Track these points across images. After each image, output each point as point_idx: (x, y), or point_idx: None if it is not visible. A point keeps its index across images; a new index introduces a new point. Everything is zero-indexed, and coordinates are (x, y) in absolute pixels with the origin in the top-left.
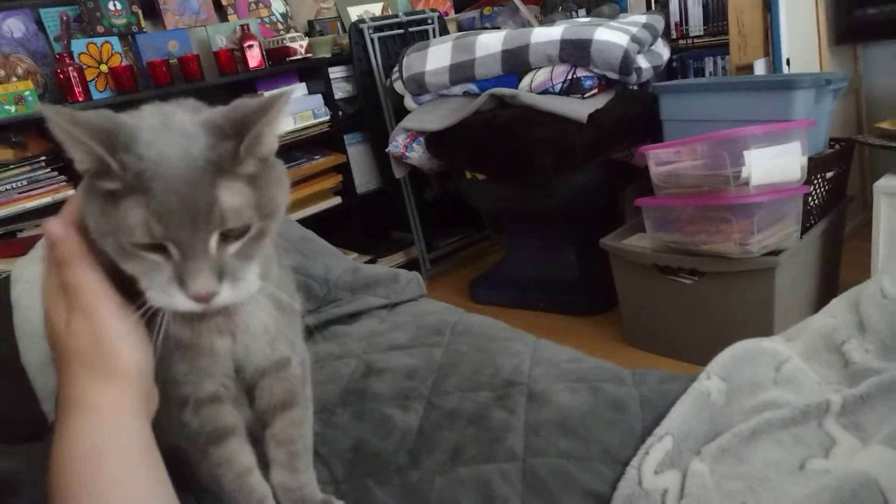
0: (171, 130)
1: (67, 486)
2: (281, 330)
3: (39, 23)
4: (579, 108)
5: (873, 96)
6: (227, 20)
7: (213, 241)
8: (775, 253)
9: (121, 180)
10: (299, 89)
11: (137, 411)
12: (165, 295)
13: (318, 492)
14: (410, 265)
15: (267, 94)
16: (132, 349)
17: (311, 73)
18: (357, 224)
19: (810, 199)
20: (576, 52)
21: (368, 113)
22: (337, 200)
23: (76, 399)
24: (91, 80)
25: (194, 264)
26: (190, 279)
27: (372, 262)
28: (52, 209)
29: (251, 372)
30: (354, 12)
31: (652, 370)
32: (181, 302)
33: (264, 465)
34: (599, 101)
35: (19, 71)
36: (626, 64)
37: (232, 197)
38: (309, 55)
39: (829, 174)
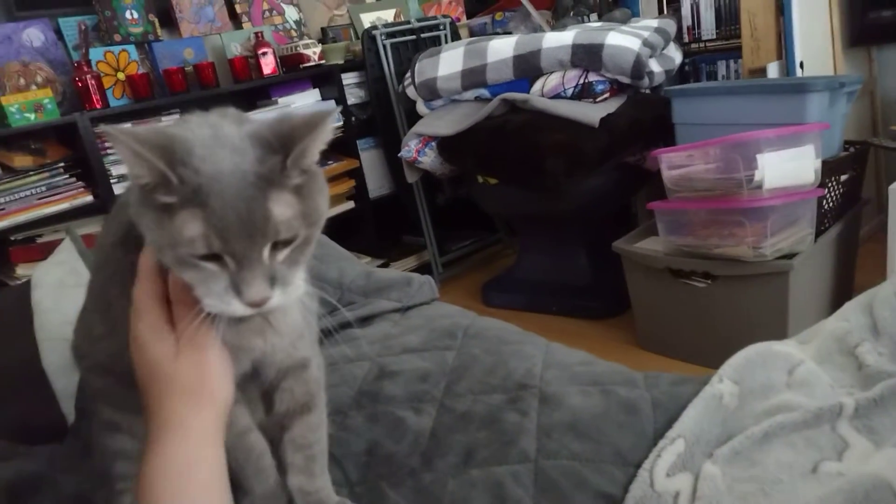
0: (222, 144)
1: (160, 496)
2: (304, 331)
3: (58, 32)
4: (591, 113)
5: (888, 99)
6: (242, 28)
7: (266, 251)
8: (789, 256)
9: (178, 194)
10: (312, 95)
11: (222, 434)
12: (222, 302)
13: (333, 494)
14: (423, 269)
15: (311, 109)
16: (229, 384)
17: (325, 79)
18: (370, 228)
19: (824, 202)
20: (587, 56)
21: (381, 118)
22: (350, 205)
23: (174, 422)
24: (108, 88)
25: (249, 273)
26: (245, 287)
27: (384, 266)
28: (71, 215)
29: (274, 372)
30: (367, 19)
31: (664, 373)
32: (237, 308)
33: (281, 468)
34: (611, 106)
35: (39, 79)
36: (638, 68)
37: (283, 209)
38: (322, 62)
39: (843, 177)
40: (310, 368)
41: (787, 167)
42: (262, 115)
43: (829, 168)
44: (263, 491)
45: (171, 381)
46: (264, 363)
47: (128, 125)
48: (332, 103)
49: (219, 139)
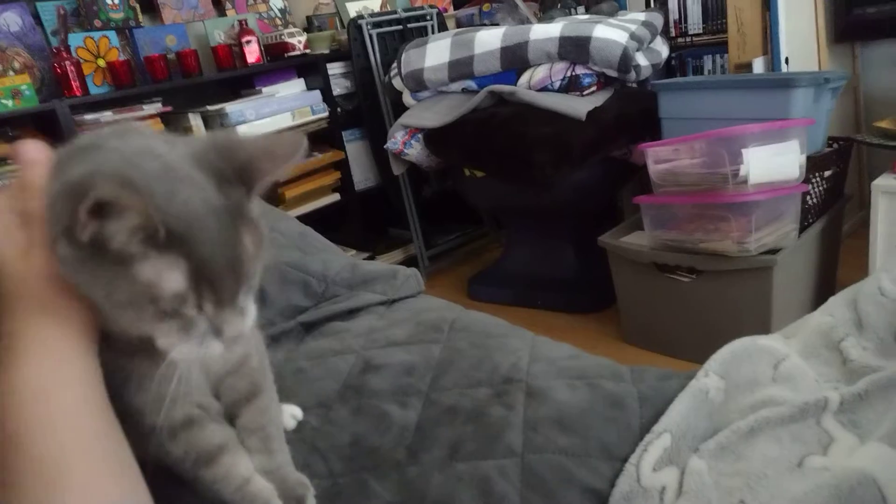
0: (179, 177)
1: (12, 428)
2: None
3: (36, 16)
4: (578, 106)
5: (872, 95)
6: (226, 15)
7: (244, 288)
8: (773, 251)
9: (153, 243)
10: (297, 85)
11: (87, 348)
12: (201, 347)
13: (294, 471)
14: (409, 262)
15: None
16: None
17: (310, 68)
18: (355, 221)
19: (808, 197)
20: (575, 49)
21: (367, 109)
22: (335, 197)
23: (27, 335)
24: (88, 75)
25: (230, 313)
26: (227, 327)
27: (370, 259)
28: None
29: (213, 379)
30: (353, 8)
31: (650, 367)
32: (216, 349)
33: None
34: (598, 99)
35: (16, 65)
36: (625, 61)
37: (252, 243)
38: (307, 51)
39: (827, 173)
40: (249, 362)
41: (773, 162)
42: (247, 105)
43: (814, 164)
44: None
45: (21, 281)
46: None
47: (108, 113)
48: (316, 95)
49: (171, 171)
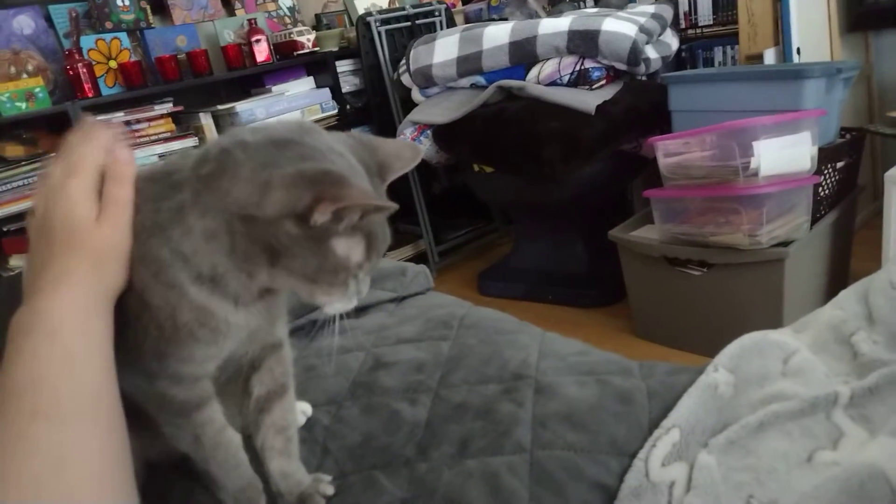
0: (358, 172)
1: (33, 348)
2: (283, 312)
3: (49, 19)
4: (587, 100)
5: (885, 85)
6: (235, 15)
7: None
8: (785, 244)
9: (355, 226)
10: (307, 83)
11: (105, 314)
12: (348, 303)
13: (307, 473)
14: (419, 258)
15: (400, 139)
16: (127, 271)
17: (319, 66)
18: None
19: (820, 189)
20: (584, 43)
21: (376, 106)
22: None
23: (70, 277)
24: (100, 76)
25: (369, 277)
26: (364, 287)
27: None
28: None
29: (258, 349)
30: (361, 5)
31: (659, 362)
32: (353, 304)
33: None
34: (608, 93)
35: (30, 68)
36: (635, 55)
37: (387, 223)
38: (316, 49)
39: (839, 164)
40: (285, 347)
41: (784, 154)
42: (257, 104)
43: (826, 155)
44: (241, 484)
45: (85, 243)
46: (253, 343)
47: (120, 114)
48: (325, 93)
49: (353, 166)
